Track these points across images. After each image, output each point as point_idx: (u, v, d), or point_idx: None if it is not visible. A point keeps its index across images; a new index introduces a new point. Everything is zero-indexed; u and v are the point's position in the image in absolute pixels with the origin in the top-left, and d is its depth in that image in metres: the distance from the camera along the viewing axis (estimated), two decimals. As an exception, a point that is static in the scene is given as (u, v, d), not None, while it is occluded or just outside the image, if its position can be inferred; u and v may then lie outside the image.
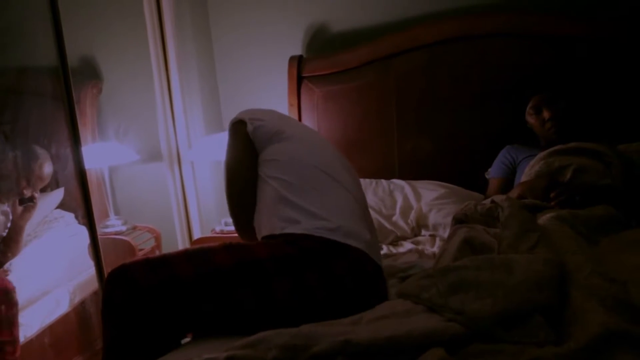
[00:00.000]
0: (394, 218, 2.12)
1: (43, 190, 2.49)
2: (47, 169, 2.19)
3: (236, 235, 1.60)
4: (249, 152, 1.49)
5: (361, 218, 1.41)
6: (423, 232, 2.09)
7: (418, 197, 2.16)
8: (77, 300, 2.21)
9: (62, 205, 2.58)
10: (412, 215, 2.10)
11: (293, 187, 1.38)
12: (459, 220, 1.66)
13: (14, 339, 1.71)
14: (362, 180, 2.27)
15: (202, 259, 1.21)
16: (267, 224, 1.39)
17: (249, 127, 1.48)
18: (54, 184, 2.51)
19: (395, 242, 2.07)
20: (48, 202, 2.50)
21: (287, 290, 1.20)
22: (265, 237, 1.38)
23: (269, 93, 2.60)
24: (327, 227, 1.29)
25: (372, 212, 2.06)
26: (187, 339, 1.28)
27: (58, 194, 2.53)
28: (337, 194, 1.41)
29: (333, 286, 1.23)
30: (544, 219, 1.48)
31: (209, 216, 2.63)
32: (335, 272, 1.24)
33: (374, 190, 2.24)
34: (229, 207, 1.53)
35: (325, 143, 1.62)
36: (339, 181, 1.44)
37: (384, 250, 1.98)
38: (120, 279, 1.18)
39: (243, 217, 1.50)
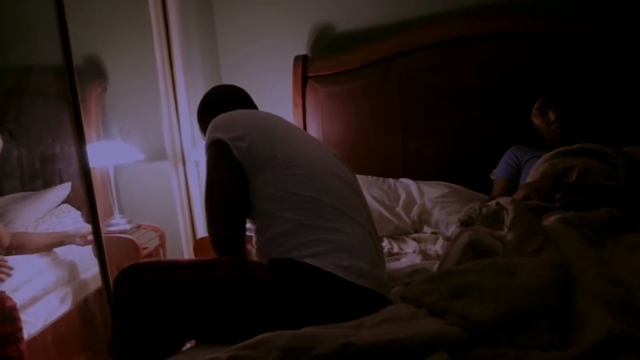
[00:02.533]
0: (397, 209, 2.13)
1: (47, 185, 2.51)
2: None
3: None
4: (240, 177, 1.36)
5: (374, 254, 1.35)
6: (425, 228, 2.10)
7: (422, 194, 2.17)
8: (80, 298, 2.21)
9: (70, 202, 2.59)
10: (415, 210, 2.11)
11: (302, 227, 1.28)
12: (464, 223, 1.65)
13: (21, 354, 1.73)
14: (369, 178, 2.28)
15: (203, 268, 1.26)
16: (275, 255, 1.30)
17: (235, 152, 1.34)
18: (57, 180, 2.52)
19: (395, 236, 2.07)
20: (53, 196, 2.52)
21: (281, 316, 1.18)
22: (273, 260, 1.29)
23: (274, 93, 2.59)
24: (339, 265, 1.23)
25: (374, 203, 2.10)
26: (189, 345, 1.31)
27: (64, 189, 2.55)
28: (349, 231, 1.31)
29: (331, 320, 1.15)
30: (549, 221, 1.47)
31: (212, 215, 2.63)
32: (338, 309, 1.19)
33: (379, 186, 2.25)
34: (217, 236, 1.37)
35: (323, 153, 1.49)
36: (352, 216, 1.34)
37: (385, 244, 1.98)
38: (127, 277, 1.26)
39: (237, 244, 1.37)
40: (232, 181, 1.35)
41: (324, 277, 1.21)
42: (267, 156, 1.35)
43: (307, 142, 1.50)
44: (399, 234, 2.09)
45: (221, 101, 1.63)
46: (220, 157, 1.37)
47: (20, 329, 1.76)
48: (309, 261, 1.23)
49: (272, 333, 0.96)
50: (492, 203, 1.64)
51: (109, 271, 1.85)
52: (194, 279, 1.23)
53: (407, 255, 1.87)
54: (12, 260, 2.24)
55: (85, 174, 1.75)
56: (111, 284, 1.80)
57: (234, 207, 1.36)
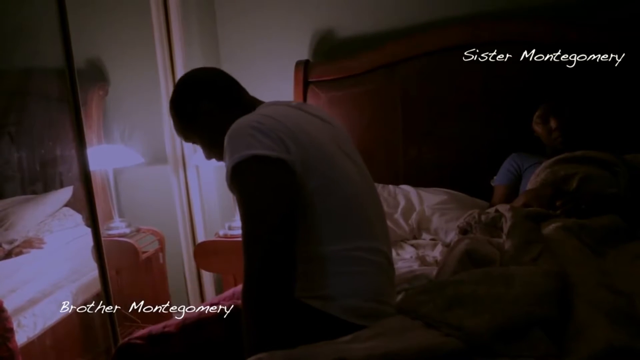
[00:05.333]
0: (395, 216, 2.12)
1: (48, 188, 2.51)
2: None
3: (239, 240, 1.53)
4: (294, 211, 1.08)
5: (391, 286, 1.25)
6: (424, 235, 2.09)
7: (421, 200, 2.16)
8: (79, 302, 2.21)
9: (70, 205, 2.60)
10: (414, 217, 2.09)
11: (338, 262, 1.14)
12: (462, 231, 1.64)
13: (12, 354, 1.72)
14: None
15: (194, 330, 1.26)
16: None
17: (310, 183, 1.12)
18: (58, 183, 2.52)
19: (392, 242, 2.06)
20: (55, 199, 2.52)
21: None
22: None
23: (275, 98, 2.57)
24: (344, 307, 1.11)
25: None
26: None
27: (65, 193, 2.55)
28: (372, 271, 1.18)
29: None
30: (549, 229, 1.46)
31: (213, 220, 2.63)
32: None
33: (379, 192, 2.23)
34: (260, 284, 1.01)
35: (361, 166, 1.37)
36: (384, 250, 1.23)
37: None
38: (126, 356, 1.29)
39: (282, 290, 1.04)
40: (289, 224, 1.06)
41: (328, 320, 1.10)
42: (323, 182, 1.16)
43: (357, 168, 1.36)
44: (396, 241, 2.08)
45: (229, 83, 1.44)
46: (273, 183, 1.08)
47: (10, 329, 1.74)
48: (316, 305, 1.11)
49: (265, 353, 0.93)
50: (491, 210, 1.63)
51: (108, 274, 1.84)
52: (188, 346, 1.24)
53: (403, 260, 1.85)
54: (11, 261, 2.25)
55: (86, 177, 1.74)
56: (110, 288, 1.81)
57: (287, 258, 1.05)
